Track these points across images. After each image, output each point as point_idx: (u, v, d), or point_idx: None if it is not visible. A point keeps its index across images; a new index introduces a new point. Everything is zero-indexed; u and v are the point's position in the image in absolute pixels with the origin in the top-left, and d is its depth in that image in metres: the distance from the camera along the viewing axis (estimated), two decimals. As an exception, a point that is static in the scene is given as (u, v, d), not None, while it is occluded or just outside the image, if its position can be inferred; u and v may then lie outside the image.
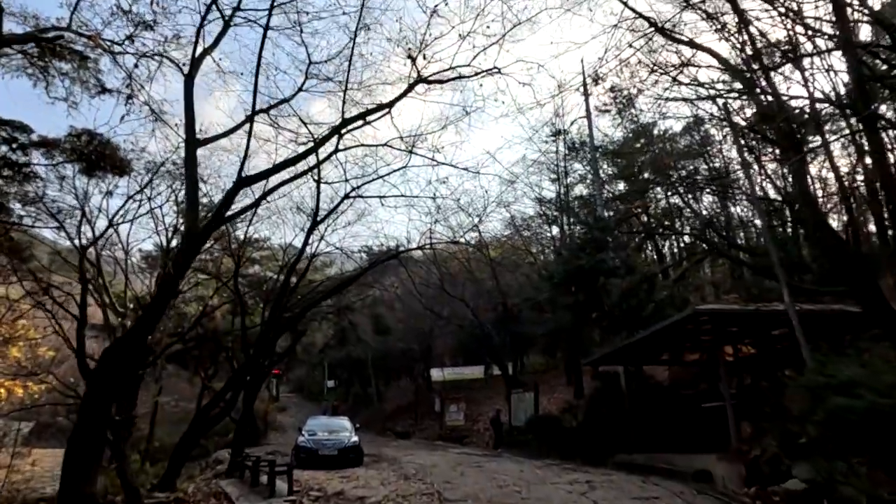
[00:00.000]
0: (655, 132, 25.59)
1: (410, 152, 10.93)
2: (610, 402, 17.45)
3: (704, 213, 24.68)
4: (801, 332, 9.35)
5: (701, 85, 12.01)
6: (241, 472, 13.50)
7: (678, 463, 12.32)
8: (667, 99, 11.62)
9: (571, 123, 27.25)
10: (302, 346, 38.82)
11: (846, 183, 18.15)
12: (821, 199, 18.83)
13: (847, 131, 16.05)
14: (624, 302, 18.54)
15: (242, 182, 9.01)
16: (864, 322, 10.55)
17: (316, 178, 12.75)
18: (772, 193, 20.15)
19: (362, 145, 11.20)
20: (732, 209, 26.35)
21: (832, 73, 16.29)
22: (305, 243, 13.53)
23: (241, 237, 16.42)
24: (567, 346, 23.10)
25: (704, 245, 21.30)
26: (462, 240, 17.16)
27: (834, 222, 19.85)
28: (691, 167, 23.81)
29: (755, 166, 19.57)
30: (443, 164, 12.13)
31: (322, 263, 31.22)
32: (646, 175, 24.12)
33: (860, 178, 17.84)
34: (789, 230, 20.21)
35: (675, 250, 31.55)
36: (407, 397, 40.84)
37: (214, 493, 11.58)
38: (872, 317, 8.66)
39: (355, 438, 17.10)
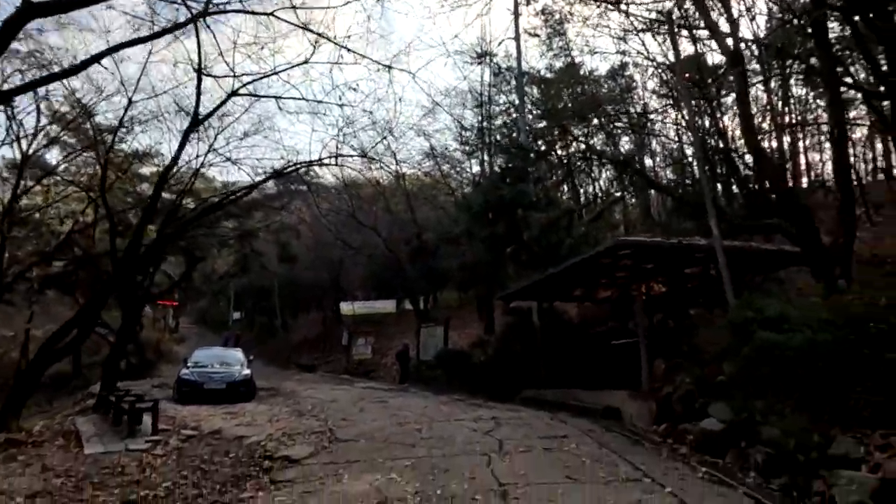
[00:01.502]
0: (582, 72, 24.92)
1: (304, 28, 9.02)
2: (521, 339, 16.98)
3: (622, 157, 24.39)
4: (727, 266, 8.77)
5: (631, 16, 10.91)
6: (106, 408, 11.79)
7: (588, 400, 11.91)
8: (597, 26, 10.47)
9: (499, 44, 25.64)
10: (201, 273, 36.11)
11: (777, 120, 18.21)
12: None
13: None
14: (543, 237, 17.84)
15: (31, 9, 6.20)
16: (789, 259, 10.26)
17: (196, 66, 10.61)
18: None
19: (243, 12, 9.09)
20: (648, 159, 26.54)
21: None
22: (182, 146, 11.46)
23: (110, 141, 13.87)
24: (482, 281, 22.40)
25: (626, 180, 20.93)
26: (373, 154, 15.50)
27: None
28: (612, 111, 23.48)
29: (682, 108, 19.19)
30: (351, 53, 10.24)
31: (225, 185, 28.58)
32: (569, 113, 23.42)
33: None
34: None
35: (592, 191, 31.52)
36: (315, 330, 39.52)
37: (65, 433, 9.89)
38: (804, 250, 8.20)
39: (247, 371, 15.66)
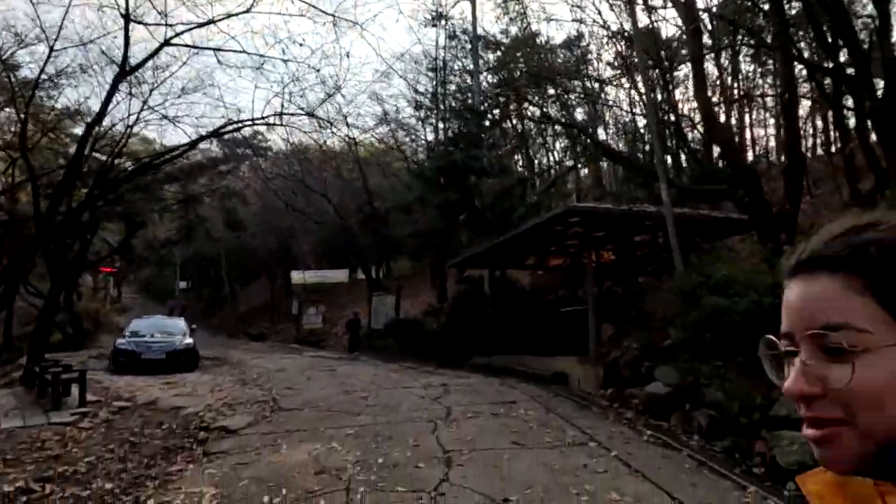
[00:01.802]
0: (538, 41, 24.63)
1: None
2: (473, 306, 16.90)
3: (578, 124, 24.36)
4: (675, 233, 8.77)
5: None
6: (32, 381, 11.07)
7: (536, 366, 11.94)
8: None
9: (454, 4, 24.97)
10: (143, 240, 34.50)
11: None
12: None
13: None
14: (496, 204, 17.68)
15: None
16: (736, 227, 10.38)
17: (123, 11, 9.71)
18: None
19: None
20: (601, 130, 26.66)
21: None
22: (110, 97, 10.53)
23: (30, 95, 12.68)
24: (434, 249, 22.18)
25: (579, 149, 20.91)
26: (321, 115, 14.73)
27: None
28: (567, 81, 23.36)
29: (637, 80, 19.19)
30: (295, 2, 9.60)
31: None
32: (524, 81, 23.18)
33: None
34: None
35: (546, 162, 31.54)
36: (264, 299, 38.64)
37: (-17, 406, 9.20)
38: (752, 217, 8.25)
39: (189, 341, 15.05)
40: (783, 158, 7.82)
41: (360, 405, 8.36)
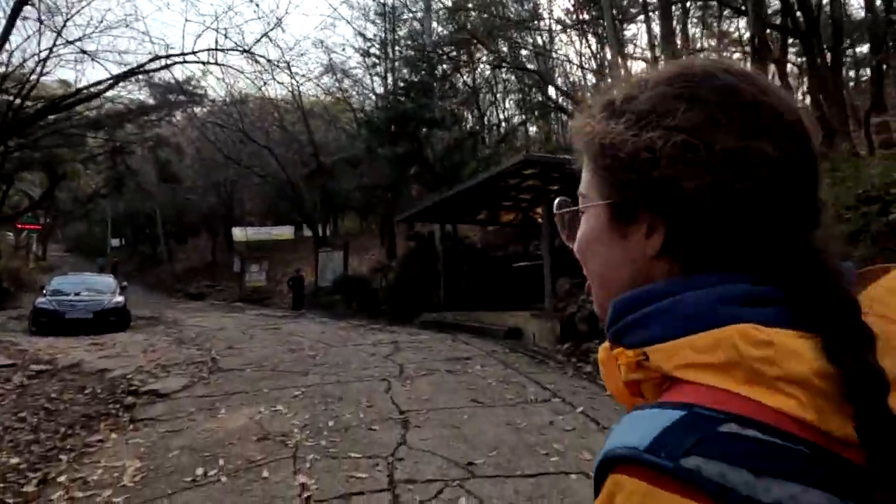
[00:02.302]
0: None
1: None
2: (423, 263, 16.50)
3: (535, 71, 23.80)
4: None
5: None
6: (-63, 342, 9.99)
7: (489, 321, 11.71)
8: None
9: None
10: (69, 194, 32.12)
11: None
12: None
13: None
14: (446, 157, 17.13)
15: None
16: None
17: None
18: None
19: None
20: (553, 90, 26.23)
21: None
22: (11, 24, 9.15)
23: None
24: (383, 204, 21.50)
25: (531, 103, 20.44)
26: (260, 54, 13.63)
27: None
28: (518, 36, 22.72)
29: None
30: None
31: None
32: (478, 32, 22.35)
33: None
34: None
35: (496, 117, 30.98)
36: (204, 257, 37.08)
37: None
38: None
39: (119, 299, 14.02)
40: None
41: (308, 364, 7.86)
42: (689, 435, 0.37)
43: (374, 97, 27.50)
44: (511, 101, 32.79)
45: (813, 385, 0.38)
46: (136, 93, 22.88)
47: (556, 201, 0.63)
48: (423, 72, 16.01)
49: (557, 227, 0.63)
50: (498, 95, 31.31)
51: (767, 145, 0.45)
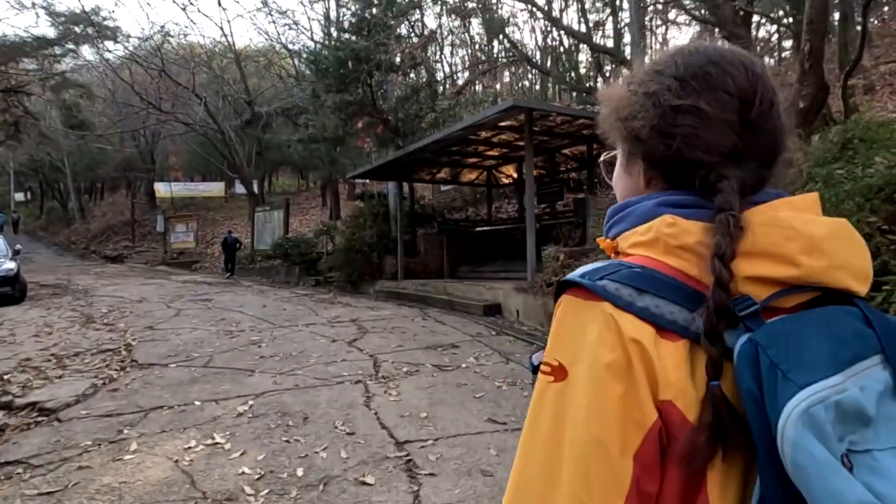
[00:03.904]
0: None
1: None
2: (376, 225, 14.81)
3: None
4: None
5: None
6: None
7: (461, 294, 10.30)
8: None
9: None
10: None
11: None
12: None
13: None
14: (401, 107, 15.29)
15: None
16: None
17: None
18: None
19: None
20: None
21: None
22: None
23: None
24: (327, 160, 19.44)
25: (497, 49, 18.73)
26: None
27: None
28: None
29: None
30: None
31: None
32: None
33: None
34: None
35: (444, 68, 29.03)
36: (124, 215, 33.60)
37: None
38: None
39: (11, 265, 11.63)
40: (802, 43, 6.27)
41: (252, 355, 6.20)
42: (607, 270, 0.60)
43: (313, 42, 24.91)
44: (458, 57, 31.00)
45: (697, 251, 0.59)
46: (32, 22, 19.51)
47: (604, 155, 0.82)
48: (378, 3, 13.94)
49: (602, 171, 0.84)
50: (447, 49, 29.41)
51: (703, 103, 0.64)
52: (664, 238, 0.60)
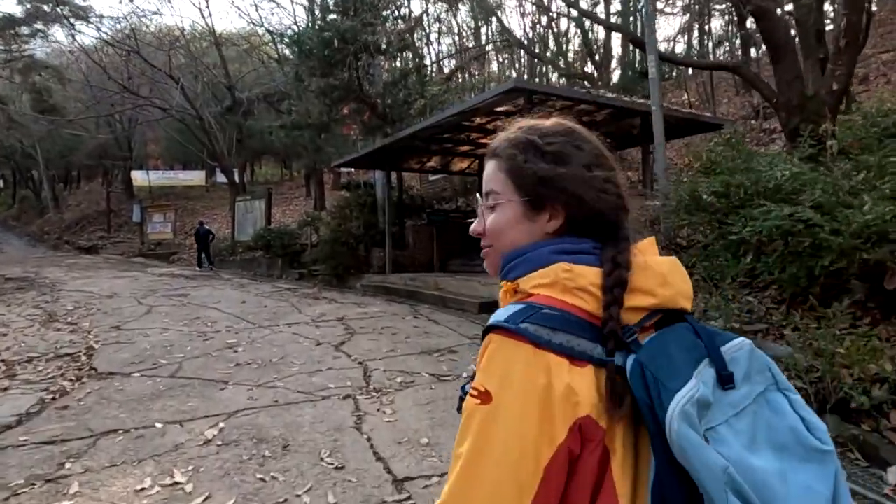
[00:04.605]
0: None
1: None
2: (361, 216, 14.15)
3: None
4: (663, 125, 6.59)
5: None
6: None
7: (454, 290, 9.70)
8: None
9: None
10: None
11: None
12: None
13: None
14: (389, 93, 14.58)
15: None
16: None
17: None
18: None
19: None
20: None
21: None
22: None
23: None
24: (311, 148, 18.66)
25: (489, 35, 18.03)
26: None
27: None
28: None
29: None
30: None
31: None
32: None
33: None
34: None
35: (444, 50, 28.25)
36: (99, 205, 32.46)
37: None
38: (779, 98, 6.22)
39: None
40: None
41: (227, 362, 5.55)
42: (525, 314, 0.70)
43: (297, 25, 23.99)
44: (445, 45, 30.23)
45: (590, 291, 0.71)
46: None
47: (485, 197, 0.87)
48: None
49: (480, 213, 0.89)
50: (433, 36, 28.61)
51: (580, 170, 0.80)
52: (562, 281, 0.73)
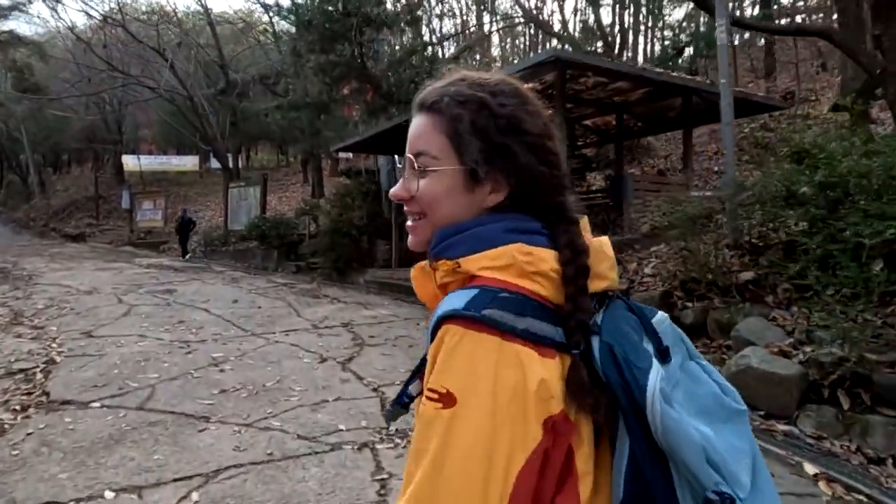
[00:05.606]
0: None
1: None
2: (364, 205, 13.08)
3: None
4: (732, 102, 5.52)
5: None
6: None
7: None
8: None
9: None
10: None
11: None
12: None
13: None
14: (394, 72, 13.48)
15: None
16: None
17: None
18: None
19: None
20: None
21: None
22: None
23: None
24: (309, 132, 17.52)
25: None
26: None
27: None
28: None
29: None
30: None
31: None
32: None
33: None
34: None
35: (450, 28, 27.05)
36: (88, 191, 31.25)
37: None
38: (888, 72, 5.17)
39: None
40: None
41: (210, 386, 4.51)
42: (485, 299, 0.62)
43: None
44: (447, 28, 29.04)
45: (550, 276, 0.65)
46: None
47: (415, 158, 0.73)
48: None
49: (405, 175, 0.75)
50: (434, 22, 27.35)
51: (533, 138, 0.71)
52: (522, 265, 0.65)
